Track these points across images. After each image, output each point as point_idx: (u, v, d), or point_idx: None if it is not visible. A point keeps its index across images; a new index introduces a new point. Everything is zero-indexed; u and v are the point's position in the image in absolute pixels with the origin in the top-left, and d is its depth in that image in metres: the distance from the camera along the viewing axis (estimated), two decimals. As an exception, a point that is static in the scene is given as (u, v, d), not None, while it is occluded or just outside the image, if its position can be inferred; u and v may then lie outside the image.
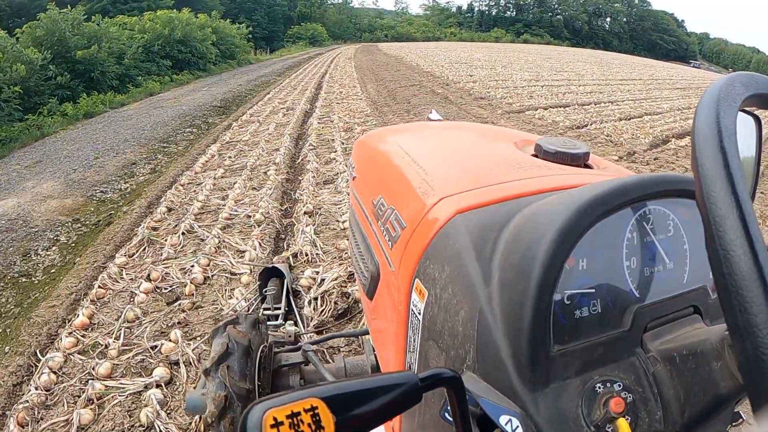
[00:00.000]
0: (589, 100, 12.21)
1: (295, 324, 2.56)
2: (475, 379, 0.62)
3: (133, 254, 3.57)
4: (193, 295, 3.01)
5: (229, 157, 6.32)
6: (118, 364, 2.43)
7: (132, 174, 6.38)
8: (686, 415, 0.57)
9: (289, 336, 2.09)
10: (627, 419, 0.56)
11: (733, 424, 0.68)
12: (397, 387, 0.43)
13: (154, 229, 3.98)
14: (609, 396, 0.57)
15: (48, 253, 4.07)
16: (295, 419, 0.38)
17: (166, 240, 3.69)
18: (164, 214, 4.28)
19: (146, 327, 2.71)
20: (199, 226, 3.92)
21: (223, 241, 3.62)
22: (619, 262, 0.64)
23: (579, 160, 0.94)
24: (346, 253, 3.41)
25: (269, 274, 2.73)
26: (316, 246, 3.51)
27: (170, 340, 2.58)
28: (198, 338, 2.61)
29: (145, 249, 3.63)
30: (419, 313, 0.76)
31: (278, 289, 2.62)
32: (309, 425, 0.38)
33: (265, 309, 2.53)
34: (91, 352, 2.54)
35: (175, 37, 21.18)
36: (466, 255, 0.69)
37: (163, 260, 3.41)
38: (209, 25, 25.07)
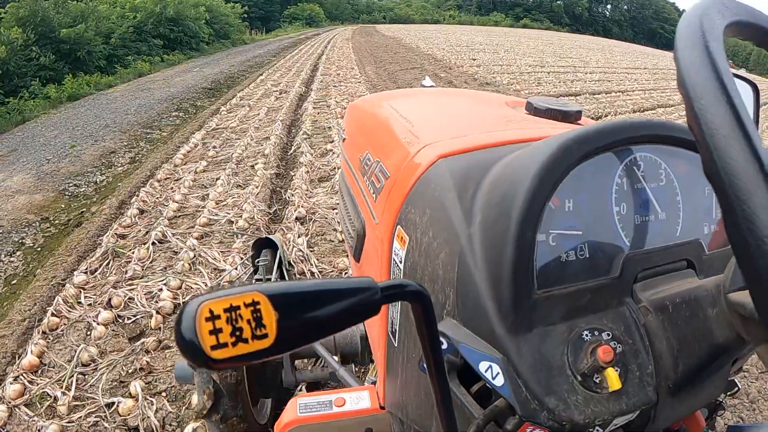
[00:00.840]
0: (598, 88, 11.61)
1: None
2: (455, 325, 0.60)
3: (96, 270, 3.02)
4: (160, 329, 2.47)
5: (214, 147, 5.71)
6: (67, 427, 1.93)
7: (110, 164, 5.81)
8: (680, 369, 0.54)
9: None
10: (616, 370, 0.53)
11: (728, 393, 0.68)
12: (354, 293, 0.39)
13: (122, 236, 3.42)
14: (597, 344, 0.54)
15: (11, 259, 3.56)
16: (233, 313, 0.35)
17: (133, 252, 3.14)
18: (135, 217, 3.71)
19: (103, 373, 2.18)
20: (173, 234, 3.35)
21: (199, 255, 3.07)
22: (609, 207, 0.62)
23: (570, 118, 0.92)
24: (346, 272, 2.89)
25: (262, 245, 2.61)
26: (309, 262, 2.98)
27: (130, 395, 2.06)
28: (163, 393, 2.08)
29: (109, 263, 3.08)
30: (400, 262, 0.74)
31: (271, 260, 2.53)
32: (248, 321, 0.35)
33: (257, 280, 2.40)
34: (39, 406, 2.04)
35: (166, 15, 20.39)
36: (448, 197, 0.66)
37: (128, 279, 2.86)
38: (203, 4, 24.22)
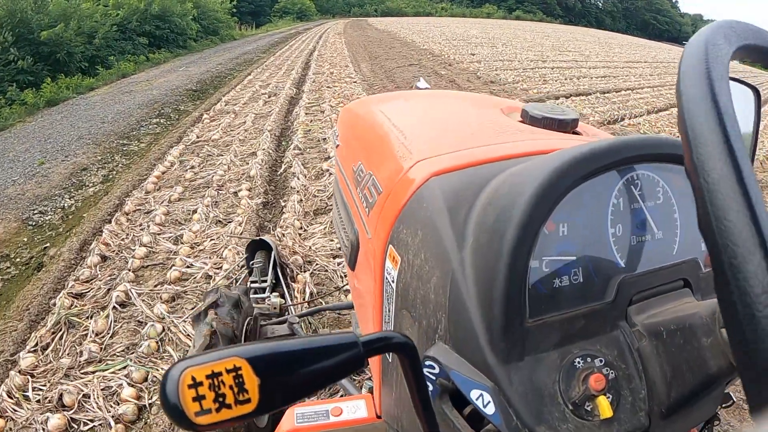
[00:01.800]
0: (606, 86, 11.01)
1: (282, 297, 2.47)
2: (447, 351, 0.59)
3: (47, 347, 2.41)
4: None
5: (192, 167, 5.05)
6: None
7: (80, 184, 5.17)
8: (672, 395, 0.54)
9: (275, 308, 2.07)
10: (608, 397, 0.53)
11: (723, 405, 0.66)
12: (335, 351, 0.40)
13: (79, 296, 2.80)
14: (589, 372, 0.54)
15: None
16: (215, 380, 0.35)
17: (90, 322, 2.53)
18: (95, 267, 3.08)
19: None
20: (138, 294, 2.74)
21: (169, 328, 2.46)
22: (604, 229, 0.60)
23: (567, 127, 0.89)
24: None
25: (256, 246, 2.60)
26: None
27: None
28: None
29: (63, 335, 2.48)
30: (393, 281, 0.73)
31: (265, 261, 2.52)
32: (231, 387, 0.35)
33: (252, 282, 2.48)
34: None
35: (152, 12, 19.66)
36: (440, 219, 0.65)
37: (84, 363, 2.27)
38: (190, -1, 23.48)
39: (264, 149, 5.36)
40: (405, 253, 0.70)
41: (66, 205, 4.67)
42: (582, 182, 0.56)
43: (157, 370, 2.19)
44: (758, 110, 0.70)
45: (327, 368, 0.39)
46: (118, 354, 2.33)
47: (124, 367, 2.22)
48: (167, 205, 4.05)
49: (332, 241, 3.27)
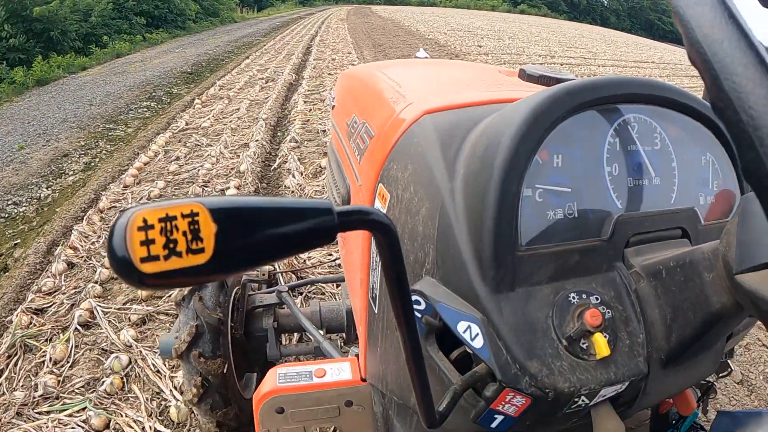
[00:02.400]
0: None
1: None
2: (434, 284, 0.57)
3: (0, 374, 2.05)
4: None
5: (177, 158, 4.63)
6: None
7: (60, 172, 4.80)
8: (673, 339, 0.52)
9: (263, 274, 2.00)
10: (605, 336, 0.50)
11: (720, 375, 0.68)
12: (308, 214, 0.36)
13: (39, 312, 2.43)
14: (584, 307, 0.51)
15: None
16: (168, 223, 0.32)
17: (48, 347, 2.16)
18: (60, 276, 2.70)
19: None
20: (104, 314, 2.35)
21: (136, 361, 2.09)
22: (600, 166, 0.59)
23: None
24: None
25: None
26: None
27: None
28: None
29: (18, 361, 2.12)
30: None
31: None
32: (184, 233, 0.32)
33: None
34: None
35: (151, -10, 19.14)
36: (431, 152, 0.63)
37: (39, 400, 1.91)
38: (191, -21, 22.88)
39: (257, 141, 4.96)
40: (394, 189, 0.68)
41: (42, 195, 4.30)
42: (574, 113, 0.55)
43: (121, 415, 1.83)
44: None
45: (295, 232, 0.35)
46: (77, 390, 1.96)
47: (83, 409, 1.86)
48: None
49: (337, 266, 2.88)
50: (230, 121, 5.83)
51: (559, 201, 0.56)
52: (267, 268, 2.04)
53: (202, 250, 0.32)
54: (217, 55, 12.21)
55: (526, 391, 0.49)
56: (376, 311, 0.78)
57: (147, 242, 0.31)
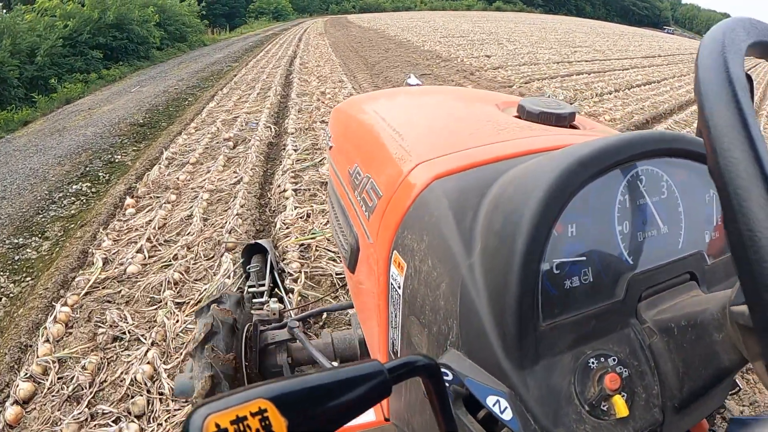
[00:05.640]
0: (660, 96, 8.80)
1: (280, 301, 2.39)
2: (460, 357, 0.57)
3: None
4: None
5: (100, 325, 2.57)
6: None
7: None
8: (685, 389, 0.53)
9: (274, 313, 2.02)
10: (623, 396, 0.52)
11: (730, 392, 0.63)
12: (361, 381, 0.38)
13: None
14: (603, 372, 0.52)
15: None
16: (240, 425, 0.33)
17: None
18: None
19: None
20: None
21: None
22: (611, 227, 0.58)
23: (564, 121, 0.88)
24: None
25: (252, 250, 2.56)
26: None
27: None
28: None
29: None
30: (399, 287, 0.71)
31: (261, 265, 2.48)
32: (257, 431, 0.33)
33: (249, 287, 2.40)
34: None
35: (107, 21, 17.18)
36: (445, 223, 0.63)
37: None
38: (153, 3, 20.83)
39: (214, 293, 2.81)
40: (411, 260, 0.68)
41: None
42: (589, 182, 0.55)
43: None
44: (751, 96, 0.59)
45: (354, 399, 0.37)
46: None
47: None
48: None
49: None
50: (171, 252, 3.39)
51: (576, 269, 0.55)
52: (276, 306, 2.07)
53: None
54: (178, 93, 10.12)
55: None
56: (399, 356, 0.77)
57: None
